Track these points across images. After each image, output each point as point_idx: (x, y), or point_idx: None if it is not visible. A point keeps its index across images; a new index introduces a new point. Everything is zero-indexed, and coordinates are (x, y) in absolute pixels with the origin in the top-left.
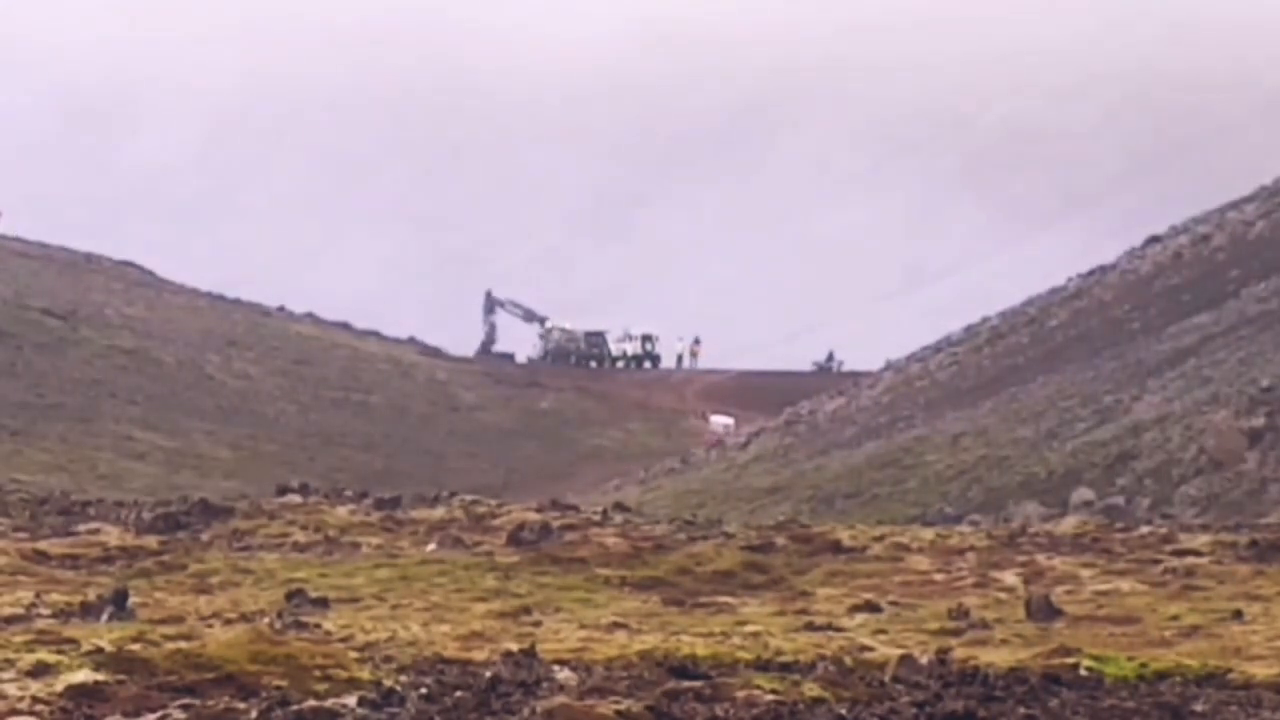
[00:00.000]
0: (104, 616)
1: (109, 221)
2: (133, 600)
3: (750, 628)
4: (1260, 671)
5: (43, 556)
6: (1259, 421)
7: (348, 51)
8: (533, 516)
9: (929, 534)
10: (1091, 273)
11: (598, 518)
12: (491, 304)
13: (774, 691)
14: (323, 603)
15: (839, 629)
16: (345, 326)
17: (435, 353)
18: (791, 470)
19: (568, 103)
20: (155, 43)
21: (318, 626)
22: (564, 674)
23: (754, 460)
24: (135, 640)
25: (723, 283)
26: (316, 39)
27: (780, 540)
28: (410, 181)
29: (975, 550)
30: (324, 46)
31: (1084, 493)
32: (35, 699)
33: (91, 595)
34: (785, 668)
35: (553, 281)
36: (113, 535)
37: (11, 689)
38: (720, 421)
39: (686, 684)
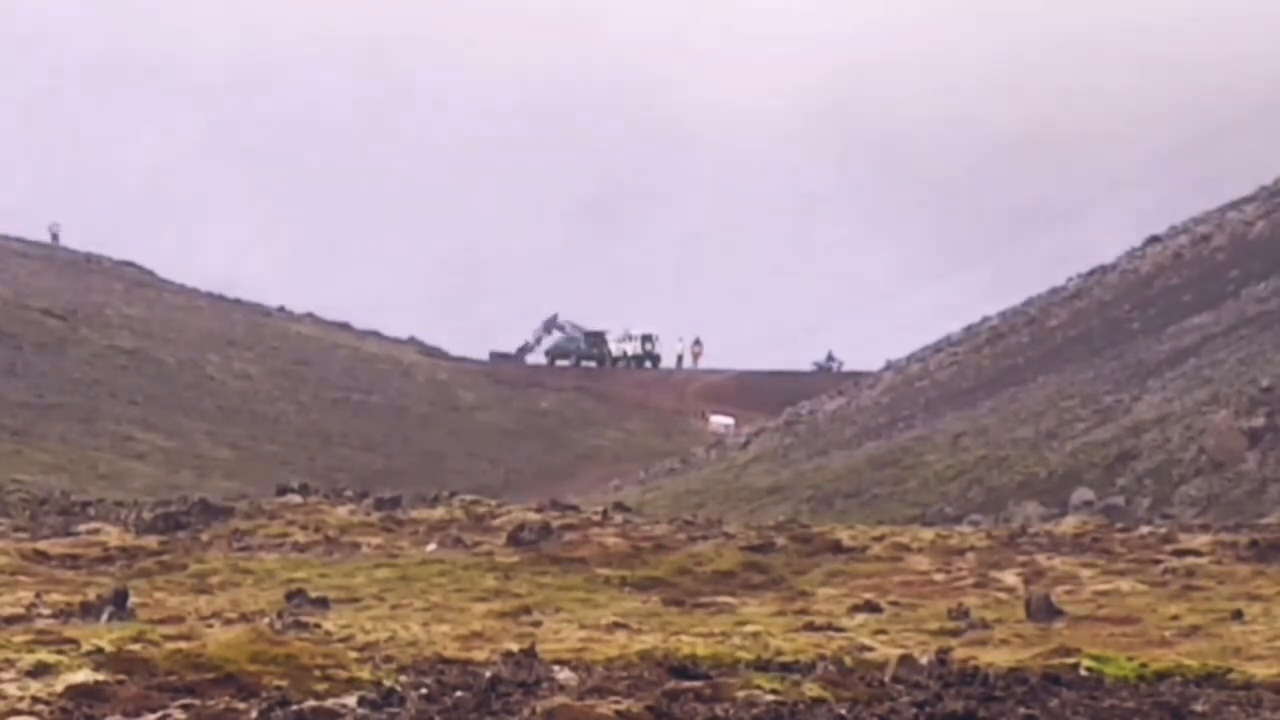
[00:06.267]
0: (104, 616)
1: (109, 221)
2: (133, 600)
3: (750, 628)
4: (1260, 671)
5: (43, 556)
6: (1259, 421)
7: (347, 53)
8: (533, 516)
9: (929, 534)
10: (1091, 273)
11: (598, 518)
12: (551, 325)
13: (774, 691)
14: (323, 603)
15: (839, 629)
16: (345, 326)
17: (435, 353)
18: (791, 470)
19: (566, 100)
20: (156, 41)
21: (318, 626)
22: (564, 674)
23: (754, 460)
24: (135, 640)
25: (722, 282)
26: (317, 40)
27: (780, 540)
28: (410, 181)
29: (975, 550)
30: (325, 48)
31: (1084, 493)
32: (35, 699)
33: (91, 595)
34: (785, 668)
35: (553, 281)
36: (113, 535)
37: (11, 689)
38: (720, 421)
39: (686, 684)
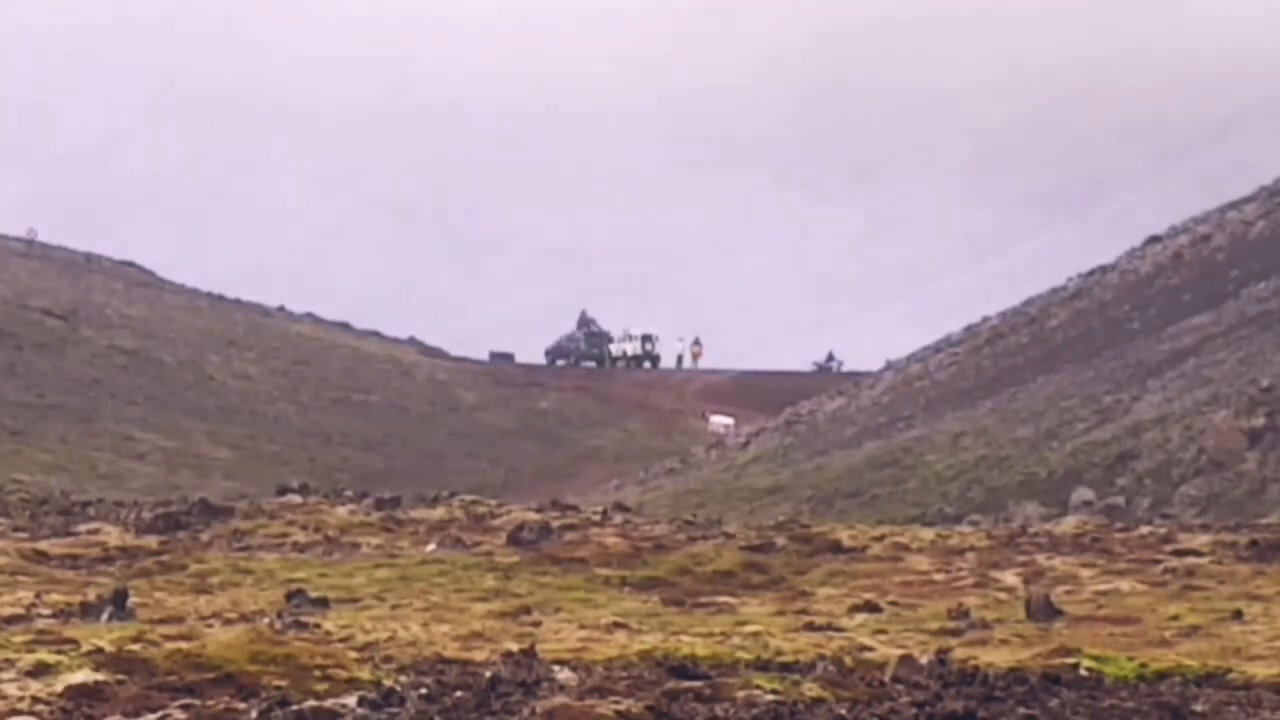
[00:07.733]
0: (104, 616)
1: (109, 221)
2: (133, 600)
3: (750, 628)
4: (1260, 671)
5: (43, 556)
6: (1259, 421)
7: (344, 53)
8: (533, 516)
9: (929, 534)
10: (1091, 273)
11: (598, 518)
12: (583, 322)
13: (774, 691)
14: (323, 603)
15: (839, 629)
16: (345, 326)
17: (435, 353)
18: (791, 470)
19: (566, 104)
20: (157, 41)
21: (318, 626)
22: (564, 674)
23: (754, 460)
24: (135, 640)
25: (723, 282)
26: (314, 42)
27: (780, 540)
28: (409, 181)
29: (975, 550)
30: (322, 49)
31: (1084, 493)
32: (35, 699)
33: (91, 595)
34: (785, 668)
35: (552, 281)
36: (113, 535)
37: (11, 689)
38: (720, 421)
39: (686, 684)
